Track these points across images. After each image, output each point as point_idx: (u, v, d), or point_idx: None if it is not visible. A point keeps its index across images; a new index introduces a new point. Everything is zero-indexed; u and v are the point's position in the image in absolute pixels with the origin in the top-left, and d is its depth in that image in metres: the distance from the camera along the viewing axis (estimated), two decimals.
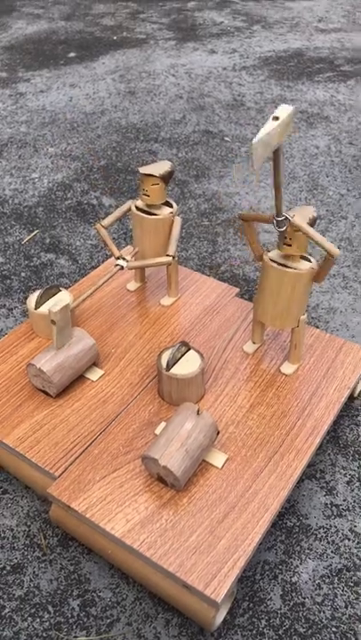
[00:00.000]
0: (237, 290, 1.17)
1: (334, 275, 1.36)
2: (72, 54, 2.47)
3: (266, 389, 0.97)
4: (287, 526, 0.89)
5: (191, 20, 2.80)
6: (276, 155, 0.75)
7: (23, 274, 1.36)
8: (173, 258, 1.03)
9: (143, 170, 1.00)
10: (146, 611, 0.80)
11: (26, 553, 0.86)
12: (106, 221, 1.06)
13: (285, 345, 1.05)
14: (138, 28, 2.72)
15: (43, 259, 1.41)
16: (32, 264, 1.39)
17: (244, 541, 0.77)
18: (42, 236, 1.48)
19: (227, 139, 1.87)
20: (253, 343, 1.04)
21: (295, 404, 0.95)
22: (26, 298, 1.30)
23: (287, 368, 1.00)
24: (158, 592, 0.78)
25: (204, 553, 0.76)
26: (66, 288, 1.06)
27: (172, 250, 1.03)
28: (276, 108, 2.03)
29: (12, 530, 0.89)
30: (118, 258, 1.02)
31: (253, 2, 3.02)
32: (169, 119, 1.99)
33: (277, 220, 0.84)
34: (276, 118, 0.71)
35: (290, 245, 0.88)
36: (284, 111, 0.71)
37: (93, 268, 1.38)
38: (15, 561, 0.85)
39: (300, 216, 0.85)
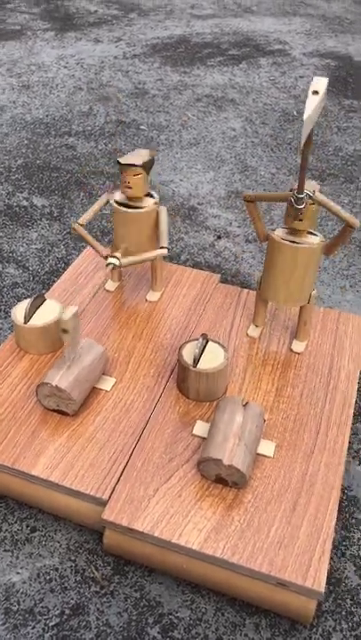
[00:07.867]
0: (219, 276, 1.14)
1: None
2: None
3: (285, 370, 0.96)
4: None
5: (64, 10, 2.68)
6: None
7: None
8: (168, 250, 0.97)
9: (123, 160, 0.94)
10: (231, 620, 0.75)
11: (81, 590, 0.78)
12: (83, 219, 0.98)
13: (286, 323, 1.04)
14: (9, 19, 2.55)
15: None
16: None
17: (323, 524, 0.75)
18: None
19: (143, 127, 1.82)
20: (256, 326, 1.02)
21: (318, 380, 0.94)
22: None
23: (298, 346, 0.99)
24: (246, 596, 0.74)
25: (289, 545, 0.73)
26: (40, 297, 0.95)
27: (165, 241, 0.97)
28: (180, 94, 2.02)
29: (57, 569, 0.80)
30: (107, 257, 0.94)
31: None
32: (76, 112, 1.89)
33: (298, 198, 0.82)
34: (316, 92, 0.69)
35: (302, 221, 0.87)
36: (321, 84, 0.70)
37: (47, 273, 1.28)
38: (72, 602, 0.76)
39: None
